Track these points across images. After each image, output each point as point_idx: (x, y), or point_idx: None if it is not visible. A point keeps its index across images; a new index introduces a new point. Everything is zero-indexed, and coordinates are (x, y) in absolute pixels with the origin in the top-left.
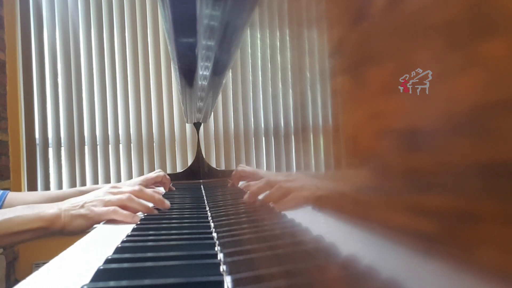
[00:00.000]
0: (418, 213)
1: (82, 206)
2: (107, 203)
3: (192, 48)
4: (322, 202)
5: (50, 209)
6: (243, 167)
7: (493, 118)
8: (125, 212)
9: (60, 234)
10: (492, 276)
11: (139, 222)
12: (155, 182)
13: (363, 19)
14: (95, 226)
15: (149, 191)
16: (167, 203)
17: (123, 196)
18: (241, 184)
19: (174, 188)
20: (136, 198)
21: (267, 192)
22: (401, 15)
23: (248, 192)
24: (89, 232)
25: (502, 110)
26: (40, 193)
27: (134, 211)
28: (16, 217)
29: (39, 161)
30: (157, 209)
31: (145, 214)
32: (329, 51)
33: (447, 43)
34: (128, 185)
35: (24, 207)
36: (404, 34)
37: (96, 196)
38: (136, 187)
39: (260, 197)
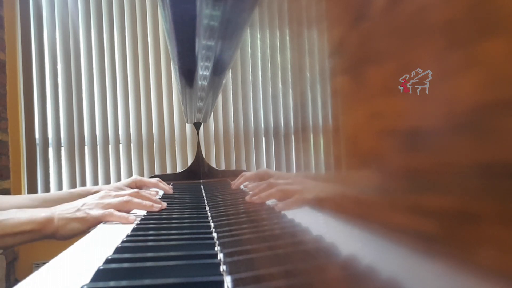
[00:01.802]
0: (418, 213)
1: (78, 210)
2: (105, 206)
3: (192, 48)
4: (325, 205)
5: (43, 212)
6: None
7: (493, 118)
8: (119, 213)
9: (52, 237)
10: (492, 276)
11: (138, 222)
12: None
13: (363, 19)
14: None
15: (145, 194)
16: (163, 205)
17: (122, 199)
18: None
19: (171, 192)
20: (134, 199)
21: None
22: (401, 15)
23: (251, 192)
24: (83, 234)
25: (502, 110)
26: (27, 196)
27: (130, 210)
28: (8, 219)
29: (39, 161)
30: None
31: (145, 214)
32: (329, 51)
33: (447, 43)
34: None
35: (17, 210)
36: (404, 34)
37: (92, 200)
38: (134, 190)
39: (262, 196)
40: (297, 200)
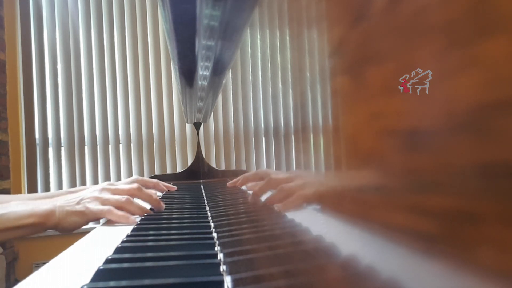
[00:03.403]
0: (418, 213)
1: (78, 203)
2: (104, 202)
3: (192, 48)
4: (325, 200)
5: (45, 205)
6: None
7: (493, 118)
8: (120, 212)
9: (54, 229)
10: (492, 276)
11: (138, 222)
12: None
13: (363, 19)
14: (92, 228)
15: (147, 190)
16: (162, 205)
17: (121, 198)
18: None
19: (175, 188)
20: (134, 201)
21: (270, 193)
22: (401, 15)
23: (251, 192)
24: (84, 232)
25: (502, 110)
26: (26, 196)
27: (131, 213)
28: (9, 213)
29: (39, 161)
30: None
31: (145, 214)
32: (329, 51)
33: (447, 43)
34: (125, 183)
35: (18, 203)
36: (404, 34)
37: (93, 193)
38: (135, 185)
39: (263, 198)
40: (298, 198)
